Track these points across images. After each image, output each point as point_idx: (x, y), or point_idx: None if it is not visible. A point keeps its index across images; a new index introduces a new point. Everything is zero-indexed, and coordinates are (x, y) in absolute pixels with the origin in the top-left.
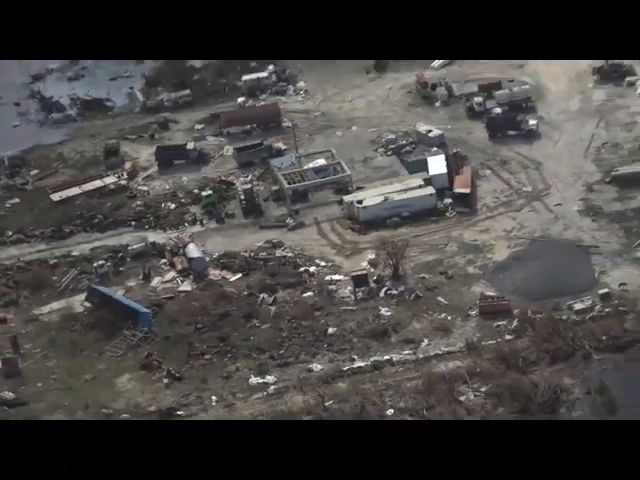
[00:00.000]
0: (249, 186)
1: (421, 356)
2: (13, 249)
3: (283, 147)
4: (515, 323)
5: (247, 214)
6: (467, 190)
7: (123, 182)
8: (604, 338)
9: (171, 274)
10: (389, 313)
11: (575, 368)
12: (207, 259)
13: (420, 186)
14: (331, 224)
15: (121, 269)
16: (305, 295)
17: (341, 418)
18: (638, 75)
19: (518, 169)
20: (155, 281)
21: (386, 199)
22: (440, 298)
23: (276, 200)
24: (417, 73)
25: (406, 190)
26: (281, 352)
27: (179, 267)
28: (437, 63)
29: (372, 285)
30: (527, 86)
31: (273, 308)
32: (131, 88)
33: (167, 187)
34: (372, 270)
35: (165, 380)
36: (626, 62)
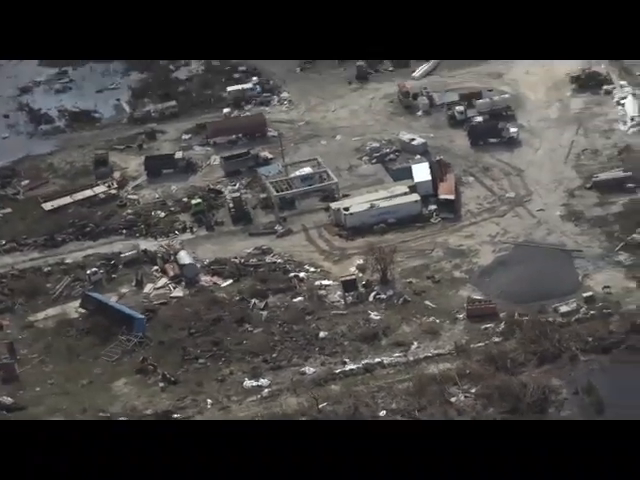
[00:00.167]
0: (238, 194)
1: (411, 358)
2: (7, 257)
3: (269, 156)
4: (502, 326)
5: (236, 222)
6: (452, 196)
7: (113, 191)
8: (590, 340)
9: (163, 280)
10: (379, 317)
11: (562, 369)
12: (198, 266)
13: (405, 193)
14: (319, 231)
15: (114, 276)
16: (296, 300)
17: (335, 419)
18: (615, 84)
19: (500, 176)
20: (147, 287)
21: (372, 206)
22: (428, 302)
23: (264, 208)
24: (399, 83)
25: (391, 197)
26: (274, 356)
27: (171, 274)
28: (418, 73)
29: (361, 290)
30: (507, 95)
31: (265, 313)
32: (118, 100)
33: (156, 196)
34: (360, 275)
35: (161, 384)
36: (603, 71)
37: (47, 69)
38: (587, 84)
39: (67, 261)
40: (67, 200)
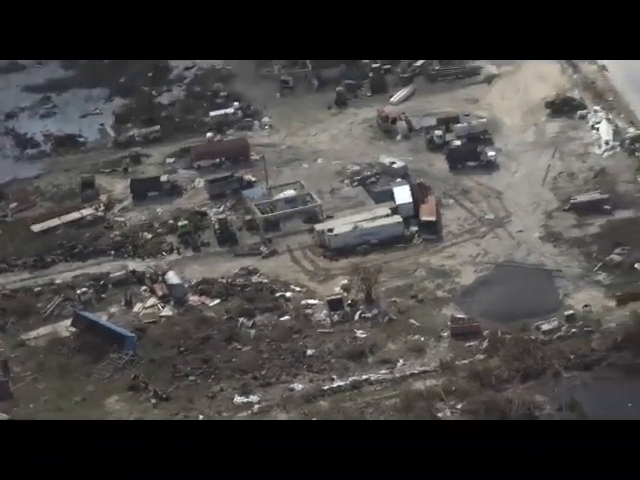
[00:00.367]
0: (224, 216)
1: (398, 375)
2: None
3: (253, 179)
4: (486, 343)
5: (222, 243)
6: (433, 218)
7: (100, 213)
8: (572, 357)
9: (152, 300)
10: (365, 335)
11: (546, 385)
12: (186, 285)
13: (387, 215)
14: (303, 252)
15: (103, 296)
16: (283, 319)
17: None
18: (588, 109)
19: (479, 198)
20: (137, 307)
21: (356, 227)
22: (412, 320)
23: (249, 229)
24: (378, 108)
25: (374, 219)
26: (263, 373)
27: (159, 293)
28: (396, 98)
29: (347, 309)
30: (484, 119)
31: (253, 331)
32: (102, 125)
33: (143, 218)
34: (345, 294)
35: (152, 400)
36: (577, 96)
37: (31, 95)
38: (562, 109)
39: (57, 281)
40: (55, 222)
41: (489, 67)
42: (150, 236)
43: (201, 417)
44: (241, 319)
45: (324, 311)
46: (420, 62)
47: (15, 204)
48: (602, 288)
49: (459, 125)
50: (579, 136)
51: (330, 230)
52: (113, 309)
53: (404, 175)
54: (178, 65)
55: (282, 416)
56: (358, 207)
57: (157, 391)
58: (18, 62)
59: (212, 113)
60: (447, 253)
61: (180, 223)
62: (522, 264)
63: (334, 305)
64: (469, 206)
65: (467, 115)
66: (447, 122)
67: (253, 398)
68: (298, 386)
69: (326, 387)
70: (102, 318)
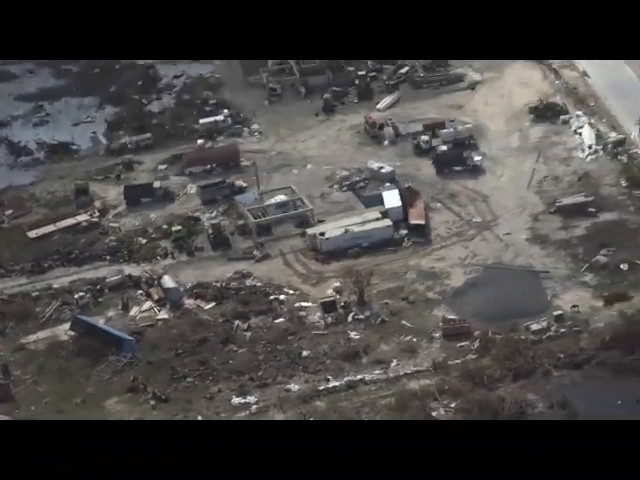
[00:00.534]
0: (217, 221)
1: (392, 375)
2: None
3: (244, 184)
4: (477, 343)
5: (215, 247)
6: (422, 221)
7: (95, 219)
8: (561, 356)
9: (148, 304)
10: (358, 336)
11: (537, 384)
12: (182, 289)
13: (377, 219)
14: (295, 255)
15: (100, 300)
16: (277, 321)
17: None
18: (571, 114)
19: (467, 202)
20: (133, 310)
21: (347, 231)
22: (404, 322)
23: (242, 234)
24: (365, 115)
25: (364, 222)
26: (259, 374)
27: (156, 297)
28: (382, 105)
29: (340, 311)
30: (470, 125)
31: (248, 334)
32: (94, 132)
33: (137, 223)
34: (338, 297)
35: (151, 402)
36: (559, 102)
37: (23, 103)
38: (545, 114)
39: (54, 286)
40: (51, 228)
41: (472, 74)
42: (145, 241)
43: (200, 418)
44: (236, 322)
45: (318, 313)
46: (405, 69)
47: (11, 211)
48: (589, 289)
49: (445, 130)
50: (562, 141)
51: (322, 234)
52: (110, 313)
53: (392, 180)
54: (167, 74)
55: (279, 416)
56: (348, 211)
57: (156, 392)
58: (10, 71)
59: (202, 120)
60: (436, 256)
61: (174, 228)
62: (510, 266)
63: (327, 307)
64: (457, 209)
65: (452, 121)
66: (433, 128)
67: (250, 399)
68: (294, 387)
69: (322, 387)
70: (100, 322)
